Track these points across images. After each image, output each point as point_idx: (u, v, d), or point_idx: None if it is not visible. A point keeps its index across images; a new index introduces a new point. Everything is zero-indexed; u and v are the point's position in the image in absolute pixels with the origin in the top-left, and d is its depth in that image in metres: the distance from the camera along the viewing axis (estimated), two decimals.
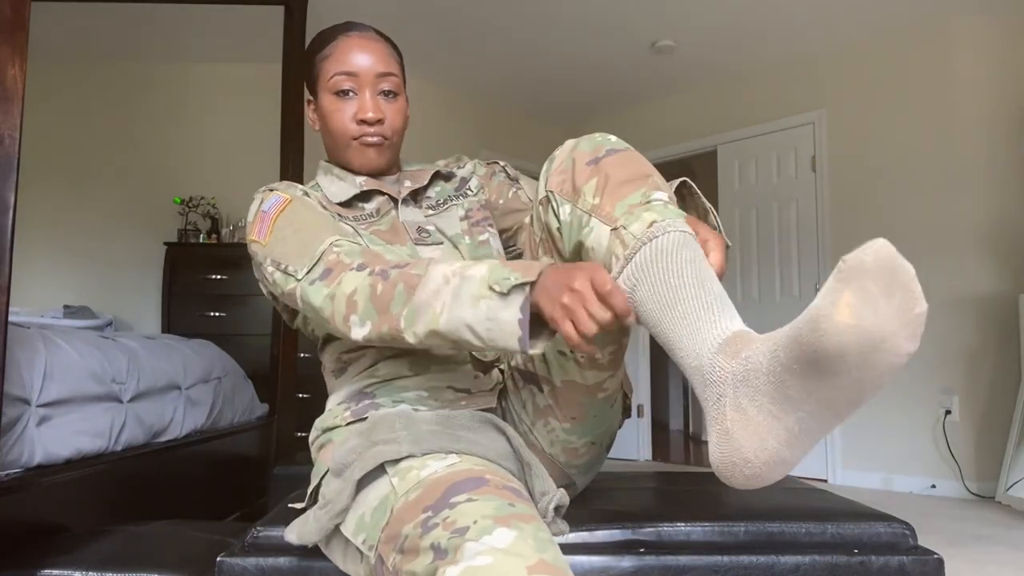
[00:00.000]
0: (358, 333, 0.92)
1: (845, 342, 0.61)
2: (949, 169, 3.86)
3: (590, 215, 0.88)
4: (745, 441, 0.69)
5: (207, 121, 4.51)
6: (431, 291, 0.86)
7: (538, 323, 0.83)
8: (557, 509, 0.91)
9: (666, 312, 0.76)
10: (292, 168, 3.00)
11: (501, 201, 1.26)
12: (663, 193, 0.86)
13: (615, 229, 0.84)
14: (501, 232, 1.26)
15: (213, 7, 3.68)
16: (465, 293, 0.83)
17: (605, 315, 0.76)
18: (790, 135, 4.51)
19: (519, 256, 1.21)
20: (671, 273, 0.77)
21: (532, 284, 0.80)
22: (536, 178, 1.08)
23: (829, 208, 4.31)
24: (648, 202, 0.84)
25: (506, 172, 1.29)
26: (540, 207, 0.97)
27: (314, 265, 0.97)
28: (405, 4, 3.78)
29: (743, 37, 4.17)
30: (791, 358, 0.65)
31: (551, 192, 0.94)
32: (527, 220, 1.09)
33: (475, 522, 0.72)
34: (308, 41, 3.12)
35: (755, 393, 0.69)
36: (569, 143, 0.96)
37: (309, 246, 0.99)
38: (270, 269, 1.02)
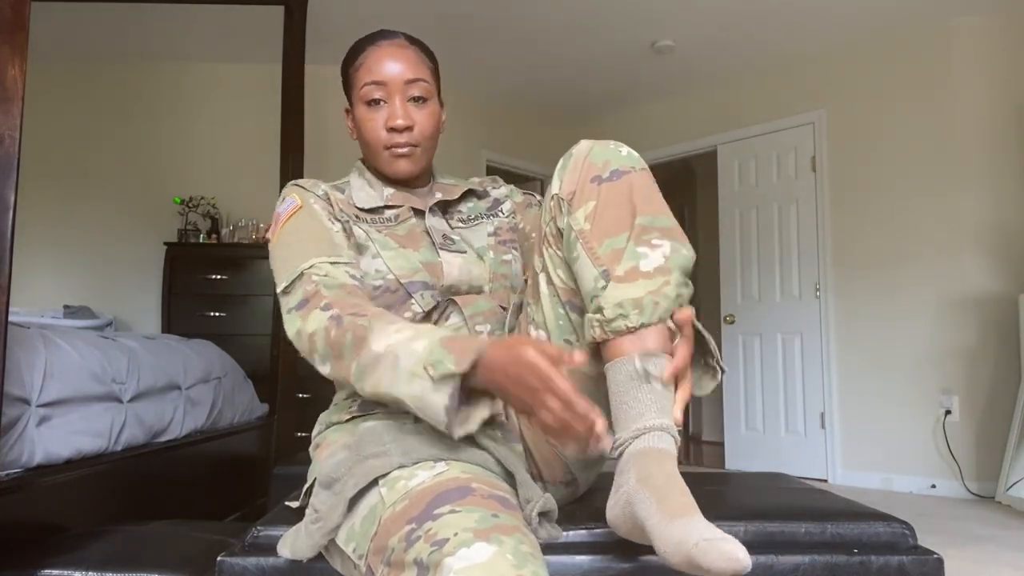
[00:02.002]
0: (323, 369, 0.98)
1: (665, 557, 0.77)
2: (949, 169, 3.86)
3: (579, 239, 0.94)
4: (611, 510, 0.89)
5: (207, 121, 4.51)
6: (374, 355, 0.90)
7: (477, 394, 0.88)
8: (546, 515, 0.90)
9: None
10: (292, 168, 3.00)
11: (534, 234, 1.27)
12: (644, 249, 0.91)
13: (595, 299, 0.92)
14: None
15: (213, 7, 3.68)
16: (403, 367, 0.87)
17: (567, 413, 0.80)
18: (790, 135, 4.51)
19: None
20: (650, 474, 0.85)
21: (466, 372, 0.84)
22: (536, 180, 1.10)
23: (829, 208, 4.31)
24: (629, 262, 0.90)
25: (541, 207, 1.30)
26: (552, 202, 1.00)
27: (292, 283, 1.03)
28: (405, 5, 3.78)
29: (743, 37, 4.17)
30: (640, 519, 0.81)
31: (561, 198, 0.98)
32: (539, 222, 1.10)
33: (455, 534, 0.72)
34: (308, 41, 3.14)
35: (624, 503, 0.85)
36: (584, 146, 1.00)
37: (294, 261, 1.05)
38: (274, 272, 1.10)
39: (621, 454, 0.88)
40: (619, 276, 0.91)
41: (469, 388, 0.87)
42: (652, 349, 0.88)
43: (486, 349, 0.84)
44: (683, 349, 0.91)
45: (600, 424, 0.79)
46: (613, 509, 0.88)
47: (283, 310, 1.04)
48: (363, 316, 0.95)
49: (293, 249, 1.07)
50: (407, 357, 0.87)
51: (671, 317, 0.91)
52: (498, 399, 0.88)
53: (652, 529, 0.78)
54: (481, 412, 0.87)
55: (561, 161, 1.01)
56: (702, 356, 0.98)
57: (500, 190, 1.31)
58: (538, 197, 1.33)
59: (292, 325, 1.01)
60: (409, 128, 1.14)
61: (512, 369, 0.81)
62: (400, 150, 1.14)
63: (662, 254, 0.91)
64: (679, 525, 0.75)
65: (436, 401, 0.83)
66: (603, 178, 0.95)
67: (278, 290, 1.06)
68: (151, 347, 2.26)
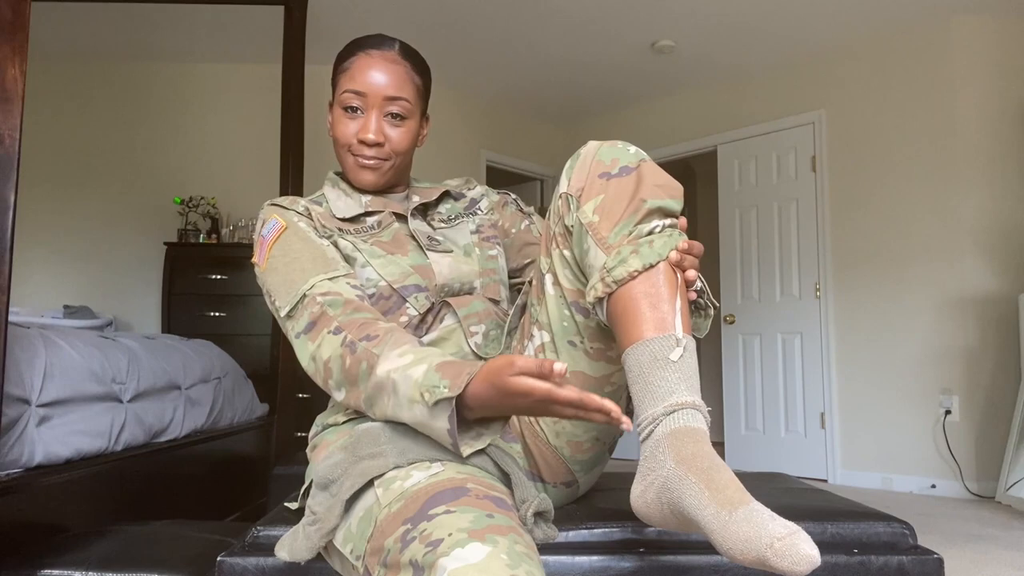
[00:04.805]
0: (337, 396, 0.99)
1: (730, 555, 0.71)
2: (949, 169, 3.86)
3: (588, 232, 0.93)
4: (640, 498, 0.84)
5: (207, 121, 4.51)
6: (378, 383, 0.91)
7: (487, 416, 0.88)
8: (542, 515, 0.90)
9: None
10: (292, 168, 3.00)
11: (514, 230, 1.29)
12: (651, 223, 0.90)
13: (603, 270, 0.90)
14: (515, 269, 1.29)
15: (213, 7, 3.68)
16: (403, 393, 0.88)
17: (581, 412, 0.79)
18: (790, 135, 4.51)
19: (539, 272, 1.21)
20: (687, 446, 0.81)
21: (462, 397, 0.83)
22: (535, 180, 1.10)
23: (829, 208, 4.31)
24: (632, 235, 0.89)
25: (517, 204, 1.32)
26: (560, 201, 0.99)
27: (295, 306, 1.03)
28: (405, 6, 3.78)
29: (743, 37, 4.17)
30: (687, 508, 0.75)
31: (569, 195, 0.97)
32: (546, 223, 1.10)
33: (450, 535, 0.72)
34: (308, 41, 3.14)
35: (660, 489, 0.80)
36: (592, 146, 0.99)
37: (294, 284, 1.04)
38: (266, 296, 1.09)
39: (648, 436, 0.82)
40: (622, 246, 0.90)
41: (473, 418, 0.88)
42: (668, 320, 0.84)
43: (474, 378, 0.83)
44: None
45: (615, 410, 0.77)
46: (644, 495, 0.82)
47: (290, 335, 1.04)
48: (374, 339, 0.95)
49: (287, 272, 1.06)
50: (404, 384, 0.88)
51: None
52: (508, 420, 0.90)
53: (708, 522, 0.72)
54: (493, 431, 0.88)
55: (569, 162, 1.00)
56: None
57: (475, 190, 1.32)
58: (513, 196, 1.34)
59: (304, 351, 1.01)
60: (379, 144, 1.14)
61: (506, 400, 0.81)
62: (366, 161, 1.15)
63: (664, 223, 0.91)
64: (743, 519, 0.70)
65: (438, 427, 0.85)
66: (612, 174, 0.94)
67: (280, 315, 1.05)
68: (151, 347, 2.26)
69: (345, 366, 0.95)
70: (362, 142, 1.14)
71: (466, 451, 0.86)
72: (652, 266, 0.87)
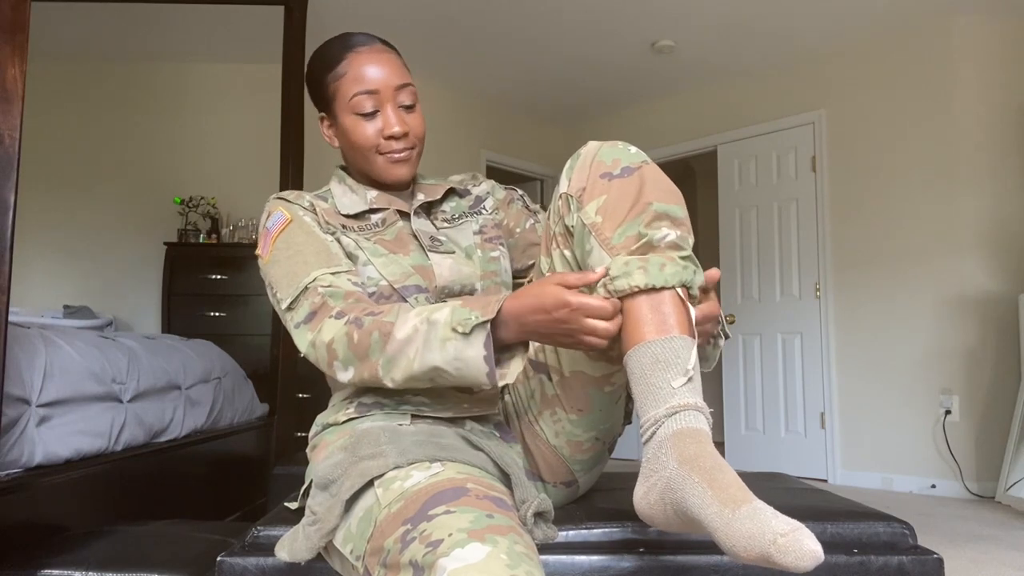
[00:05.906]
0: (344, 376, 0.99)
1: (734, 553, 0.71)
2: (949, 169, 3.86)
3: (591, 233, 0.93)
4: (643, 499, 0.84)
5: (207, 121, 4.51)
6: (403, 339, 0.92)
7: (508, 348, 0.91)
8: (541, 515, 0.90)
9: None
10: (292, 168, 3.00)
11: (518, 230, 1.28)
12: (660, 230, 0.89)
13: (607, 275, 0.89)
14: (519, 270, 1.28)
15: (213, 7, 3.68)
16: (433, 338, 0.90)
17: (610, 329, 0.86)
18: (790, 135, 4.51)
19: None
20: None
21: (494, 319, 0.88)
22: (535, 180, 1.10)
23: (829, 208, 4.31)
24: (643, 239, 0.89)
25: (524, 201, 1.31)
26: (560, 201, 0.99)
27: (296, 298, 1.03)
28: (405, 6, 3.78)
29: (743, 37, 4.17)
30: (690, 509, 0.75)
31: (569, 195, 0.97)
32: (545, 217, 1.10)
33: (449, 535, 0.72)
34: (308, 41, 3.14)
35: (663, 490, 0.80)
36: (593, 146, 0.99)
37: (297, 276, 1.05)
38: (268, 289, 1.10)
39: (650, 437, 0.83)
40: (632, 249, 0.89)
41: (501, 345, 0.89)
42: (671, 323, 0.84)
43: (506, 299, 0.88)
44: (711, 303, 0.93)
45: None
46: (647, 497, 0.82)
47: (289, 326, 1.04)
48: (380, 313, 0.96)
49: (290, 264, 1.06)
50: (433, 329, 0.90)
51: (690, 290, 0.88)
52: (528, 348, 0.92)
53: (712, 521, 0.72)
54: (517, 363, 0.90)
55: (569, 162, 1.00)
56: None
57: (481, 187, 1.31)
58: (520, 192, 1.33)
59: (303, 338, 1.01)
60: (406, 135, 1.14)
61: (540, 314, 0.85)
62: (398, 155, 1.14)
63: (676, 235, 0.90)
64: (746, 516, 0.70)
65: (472, 355, 0.87)
66: (613, 175, 0.94)
67: (281, 307, 1.05)
68: (151, 347, 2.26)
69: (353, 342, 0.95)
70: (391, 137, 1.13)
71: (500, 383, 0.88)
72: (656, 289, 0.86)
